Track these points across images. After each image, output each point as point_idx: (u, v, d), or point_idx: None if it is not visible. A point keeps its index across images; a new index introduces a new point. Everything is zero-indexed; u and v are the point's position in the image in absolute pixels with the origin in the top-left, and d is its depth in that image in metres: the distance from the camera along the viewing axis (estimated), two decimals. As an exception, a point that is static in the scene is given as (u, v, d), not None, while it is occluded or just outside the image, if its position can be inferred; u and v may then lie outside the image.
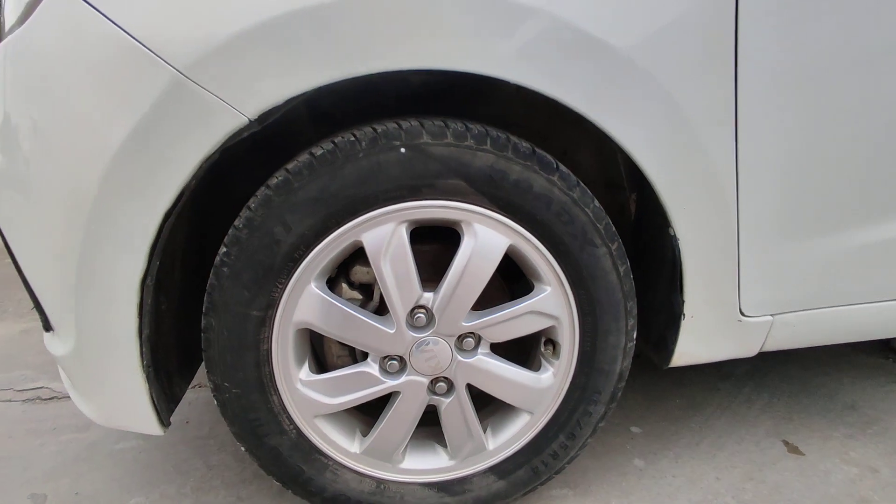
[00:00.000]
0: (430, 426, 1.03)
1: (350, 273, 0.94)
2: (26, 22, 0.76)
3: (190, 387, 1.55)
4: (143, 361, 0.86)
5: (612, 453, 1.22)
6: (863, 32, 0.84)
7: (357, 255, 0.92)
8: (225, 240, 0.82)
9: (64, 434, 1.37)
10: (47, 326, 0.92)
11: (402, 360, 0.91)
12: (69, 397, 1.12)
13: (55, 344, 0.90)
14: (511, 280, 1.02)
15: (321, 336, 1.01)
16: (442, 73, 0.76)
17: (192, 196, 0.96)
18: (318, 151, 0.79)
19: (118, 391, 0.88)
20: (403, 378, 0.92)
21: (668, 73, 0.80)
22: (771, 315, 0.99)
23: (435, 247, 0.95)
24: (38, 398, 1.56)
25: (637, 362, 1.57)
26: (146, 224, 0.77)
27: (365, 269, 0.93)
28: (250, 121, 0.73)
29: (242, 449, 0.95)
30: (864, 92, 0.87)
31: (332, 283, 0.96)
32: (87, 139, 0.75)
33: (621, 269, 0.90)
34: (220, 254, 0.83)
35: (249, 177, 0.96)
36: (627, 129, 0.82)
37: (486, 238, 0.85)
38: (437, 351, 0.90)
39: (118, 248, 0.78)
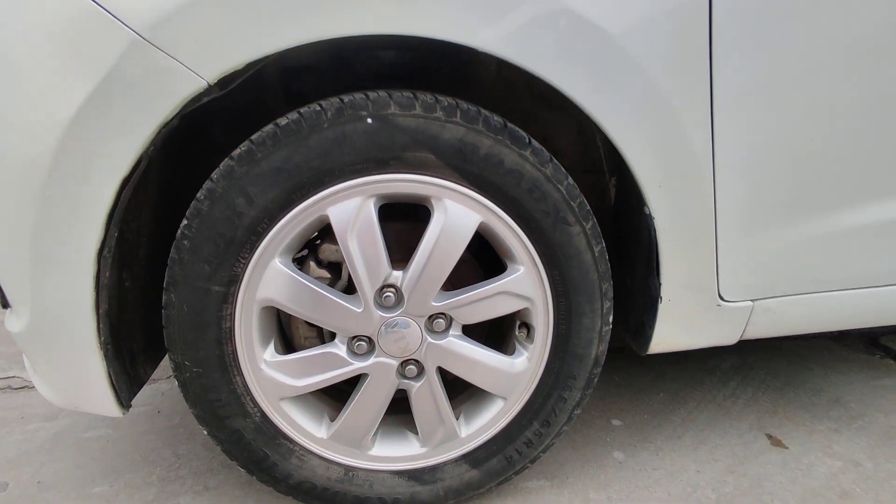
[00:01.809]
0: (401, 414, 1.01)
1: (319, 251, 0.92)
2: (-16, -15, 0.74)
3: (165, 377, 1.53)
4: (100, 338, 0.83)
5: (592, 445, 1.19)
6: (833, 31, 0.82)
7: (327, 233, 0.90)
8: (187, 212, 0.80)
9: (31, 423, 1.34)
10: (5, 303, 0.89)
11: (370, 340, 0.88)
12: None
13: (12, 320, 0.87)
14: (489, 265, 1.00)
15: (290, 316, 0.98)
16: (411, 44, 0.74)
17: (164, 177, 0.94)
18: (282, 121, 0.77)
19: (74, 369, 0.85)
20: (372, 360, 0.89)
21: (649, 56, 0.78)
22: (751, 300, 0.97)
23: (407, 225, 0.93)
24: (9, 387, 1.52)
25: (621, 356, 1.55)
26: (102, 191, 0.74)
27: (334, 247, 0.91)
28: (209, 85, 0.71)
29: (205, 432, 0.92)
30: (842, 82, 0.85)
31: (302, 263, 0.94)
32: (44, 104, 0.73)
33: (596, 250, 0.88)
34: (181, 227, 0.80)
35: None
36: (605, 107, 0.80)
37: (457, 214, 0.83)
38: (406, 332, 0.88)
39: (73, 217, 0.75)
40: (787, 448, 1.17)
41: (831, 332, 1.69)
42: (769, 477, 1.09)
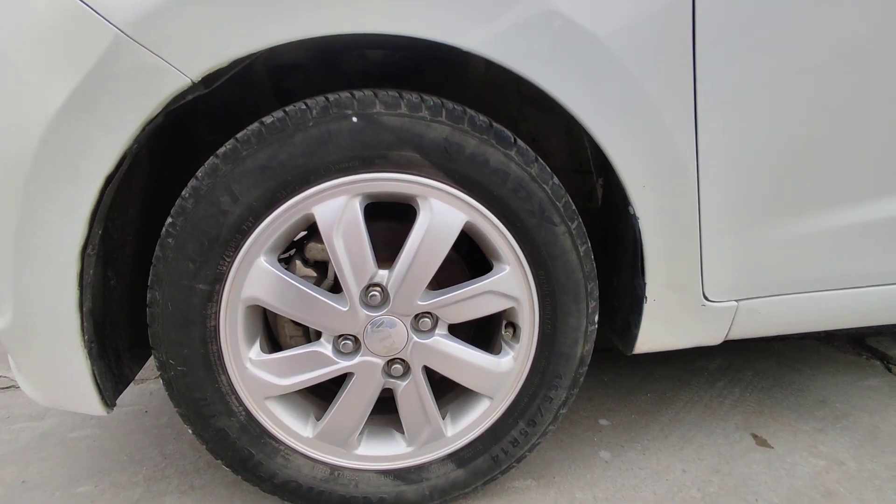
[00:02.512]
0: (387, 413, 1.01)
1: (305, 250, 0.92)
2: (-32, -18, 0.74)
3: (153, 377, 1.52)
4: (84, 336, 0.83)
5: (579, 445, 1.20)
6: (814, 35, 0.83)
7: (313, 231, 0.90)
8: (172, 210, 0.80)
9: (17, 423, 1.33)
10: (-13, 301, 0.88)
11: (356, 339, 0.89)
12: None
13: (-5, 318, 0.87)
14: (478, 265, 1.00)
15: (276, 315, 0.98)
16: (402, 45, 0.74)
17: (150, 175, 0.94)
18: (268, 120, 0.77)
19: (58, 367, 0.84)
20: (357, 359, 0.89)
21: (634, 59, 0.79)
22: (735, 300, 0.98)
23: (393, 224, 0.93)
24: (-5, 387, 1.51)
25: (609, 357, 1.56)
26: (86, 188, 0.74)
27: (320, 246, 0.91)
28: (193, 83, 0.71)
29: (190, 431, 0.91)
30: (826, 85, 0.86)
31: (288, 262, 0.94)
32: (26, 101, 0.72)
33: (581, 249, 0.88)
34: (166, 225, 0.80)
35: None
36: (590, 108, 0.81)
37: (443, 213, 0.83)
38: (392, 331, 0.88)
39: (57, 214, 0.75)
40: (773, 448, 1.18)
41: (819, 334, 1.71)
42: (754, 476, 1.09)
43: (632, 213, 0.87)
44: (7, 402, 1.42)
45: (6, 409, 1.39)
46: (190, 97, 0.74)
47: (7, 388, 1.51)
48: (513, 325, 0.94)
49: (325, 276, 0.93)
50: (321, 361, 0.89)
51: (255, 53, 0.72)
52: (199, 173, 0.78)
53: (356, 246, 0.82)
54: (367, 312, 0.86)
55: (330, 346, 0.89)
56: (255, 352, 0.89)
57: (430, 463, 0.98)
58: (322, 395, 1.04)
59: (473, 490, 1.02)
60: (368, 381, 0.91)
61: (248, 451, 0.92)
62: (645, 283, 0.93)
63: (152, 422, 1.31)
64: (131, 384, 1.46)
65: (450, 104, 0.80)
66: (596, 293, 0.92)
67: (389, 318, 0.87)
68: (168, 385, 0.87)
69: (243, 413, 0.90)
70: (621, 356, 1.56)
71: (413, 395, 0.93)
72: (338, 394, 0.93)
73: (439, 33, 0.74)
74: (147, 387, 1.47)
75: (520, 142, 0.83)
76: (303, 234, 0.94)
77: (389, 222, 0.93)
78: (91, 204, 0.75)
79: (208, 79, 0.73)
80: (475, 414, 0.97)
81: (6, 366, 1.62)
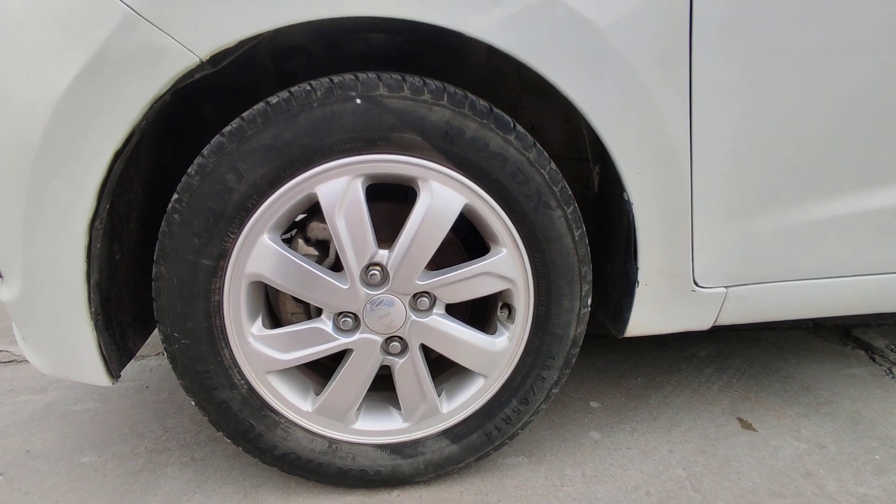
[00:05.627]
0: (385, 391, 1.04)
1: (307, 228, 0.94)
2: (-22, -43, 0.75)
3: (154, 354, 1.55)
4: (91, 308, 0.85)
5: (570, 425, 1.23)
6: (805, 32, 0.85)
7: (316, 211, 0.92)
8: (178, 187, 0.82)
9: (20, 395, 1.36)
10: (-4, 273, 0.90)
11: (355, 317, 0.91)
12: (28, 361, 1.11)
13: (3, 290, 0.89)
14: (476, 249, 1.03)
15: (277, 292, 1.01)
16: (404, 29, 0.76)
17: (155, 153, 0.96)
18: (273, 100, 0.79)
19: (64, 338, 0.87)
20: (357, 336, 0.92)
21: (632, 50, 0.81)
22: (724, 287, 1.00)
23: (394, 205, 0.95)
24: (-3, 361, 1.54)
25: (602, 343, 1.59)
26: (95, 164, 0.76)
27: (322, 225, 0.93)
28: (201, 62, 0.73)
29: (193, 403, 0.94)
30: (816, 79, 0.88)
31: (290, 241, 0.96)
32: (38, 77, 0.74)
33: (576, 234, 0.91)
34: (172, 201, 0.82)
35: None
36: (588, 96, 0.83)
37: (442, 196, 0.85)
38: (391, 309, 0.90)
39: (66, 188, 0.77)
40: (757, 431, 1.22)
41: (807, 324, 1.75)
42: (738, 457, 1.13)
43: (626, 199, 0.89)
44: (10, 376, 1.45)
45: (9, 381, 1.42)
46: (198, 76, 0.75)
47: (9, 361, 1.53)
48: (508, 306, 0.97)
49: (326, 255, 0.95)
50: (321, 338, 0.91)
51: (261, 34, 0.73)
52: (205, 151, 0.80)
53: (357, 226, 0.84)
54: (367, 291, 0.89)
55: (330, 323, 0.91)
56: (258, 327, 0.91)
57: (426, 438, 1.01)
58: (321, 371, 1.07)
59: (467, 465, 1.05)
60: (367, 357, 0.94)
61: (249, 423, 0.95)
62: (637, 269, 0.95)
63: (153, 397, 1.34)
64: (132, 360, 1.49)
65: (451, 88, 0.82)
66: (589, 276, 0.95)
67: (388, 297, 0.90)
68: (172, 357, 0.90)
69: (245, 386, 0.93)
70: (614, 342, 1.60)
71: (410, 372, 0.96)
72: (337, 369, 0.96)
73: (441, 18, 0.75)
74: (147, 363, 1.50)
75: (519, 127, 0.85)
76: (302, 216, 0.96)
77: (390, 203, 0.95)
78: (100, 179, 0.77)
79: (216, 58, 0.74)
80: (470, 392, 1.00)
81: (7, 340, 1.64)
